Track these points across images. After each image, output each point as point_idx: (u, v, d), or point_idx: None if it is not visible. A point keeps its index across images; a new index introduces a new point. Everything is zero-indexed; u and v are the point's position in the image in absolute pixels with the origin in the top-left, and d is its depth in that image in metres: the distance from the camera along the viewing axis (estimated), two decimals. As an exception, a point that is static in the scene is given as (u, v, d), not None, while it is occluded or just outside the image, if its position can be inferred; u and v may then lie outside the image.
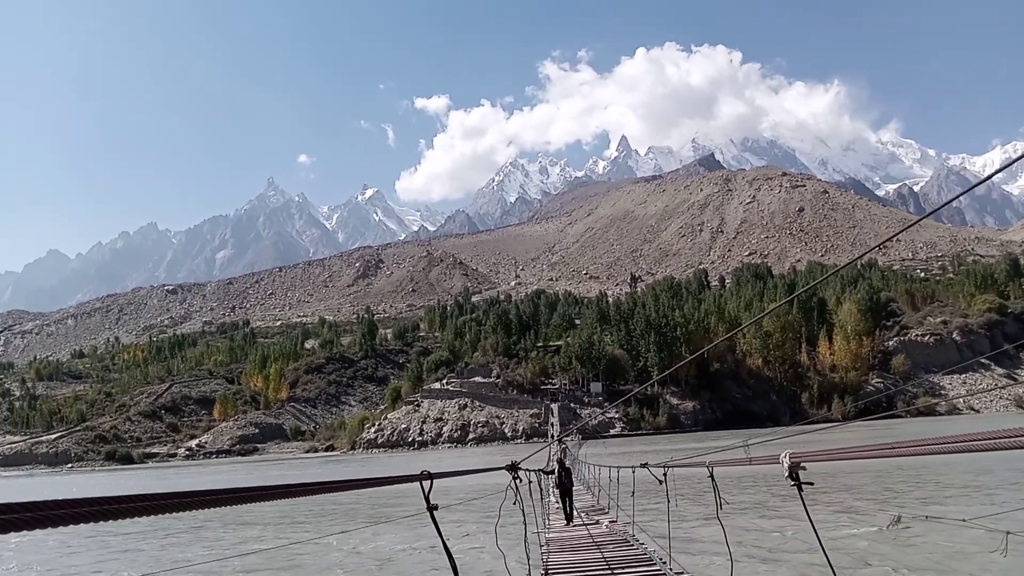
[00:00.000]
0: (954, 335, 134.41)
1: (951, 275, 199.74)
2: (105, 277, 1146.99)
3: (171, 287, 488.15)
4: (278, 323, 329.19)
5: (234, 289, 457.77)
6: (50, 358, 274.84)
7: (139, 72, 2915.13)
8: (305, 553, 23.72)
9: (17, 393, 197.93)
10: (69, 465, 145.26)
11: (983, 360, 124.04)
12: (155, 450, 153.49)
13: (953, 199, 5.27)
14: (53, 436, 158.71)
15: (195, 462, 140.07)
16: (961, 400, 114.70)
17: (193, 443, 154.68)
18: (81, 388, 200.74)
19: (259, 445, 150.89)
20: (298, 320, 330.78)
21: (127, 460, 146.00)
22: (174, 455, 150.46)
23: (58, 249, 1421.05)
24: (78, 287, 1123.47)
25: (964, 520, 20.40)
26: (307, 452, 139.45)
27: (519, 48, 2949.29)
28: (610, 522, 18.39)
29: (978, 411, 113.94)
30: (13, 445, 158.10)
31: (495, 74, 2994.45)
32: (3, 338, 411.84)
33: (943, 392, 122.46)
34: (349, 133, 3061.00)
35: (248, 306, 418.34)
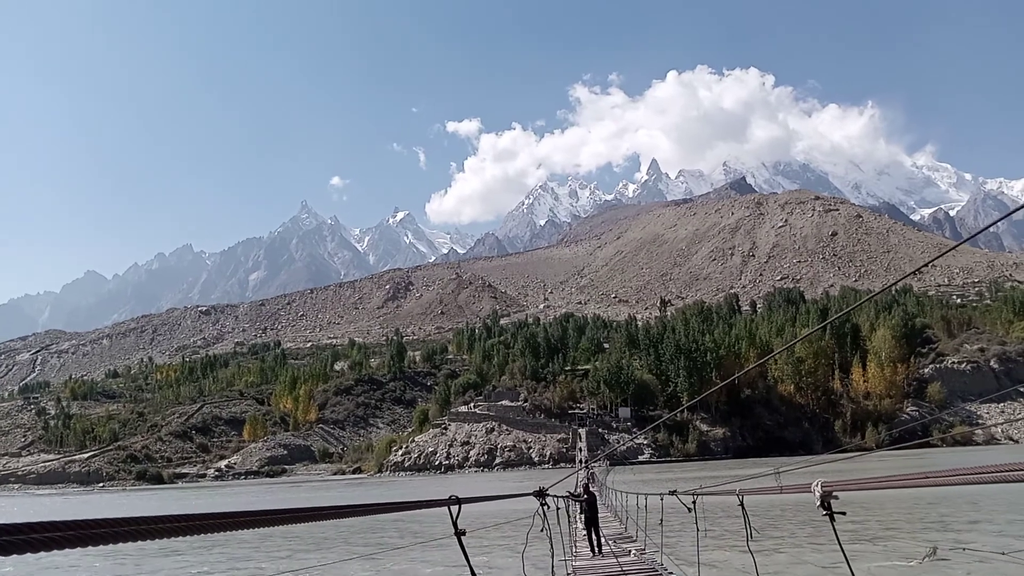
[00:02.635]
0: (991, 363, 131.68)
1: (988, 301, 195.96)
2: (141, 298, 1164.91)
3: (204, 308, 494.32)
4: (308, 344, 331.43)
5: (266, 310, 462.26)
6: (85, 377, 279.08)
7: (178, 95, 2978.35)
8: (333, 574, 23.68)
9: (52, 412, 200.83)
10: (100, 484, 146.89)
11: (1021, 388, 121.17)
12: (185, 470, 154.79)
13: (992, 224, 5.19)
14: (86, 455, 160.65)
15: (224, 483, 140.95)
16: (999, 429, 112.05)
17: (222, 464, 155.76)
18: (114, 407, 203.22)
19: (287, 466, 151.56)
20: (328, 342, 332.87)
21: (157, 480, 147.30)
22: (203, 475, 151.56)
23: (95, 270, 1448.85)
24: (114, 307, 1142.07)
25: (1003, 554, 19.85)
26: (335, 474, 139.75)
27: (550, 72, 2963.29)
28: (638, 551, 18.16)
29: (1016, 441, 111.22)
30: (47, 464, 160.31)
31: (526, 98, 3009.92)
32: (40, 357, 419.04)
33: (980, 421, 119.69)
34: (381, 156, 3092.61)
35: (279, 327, 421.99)
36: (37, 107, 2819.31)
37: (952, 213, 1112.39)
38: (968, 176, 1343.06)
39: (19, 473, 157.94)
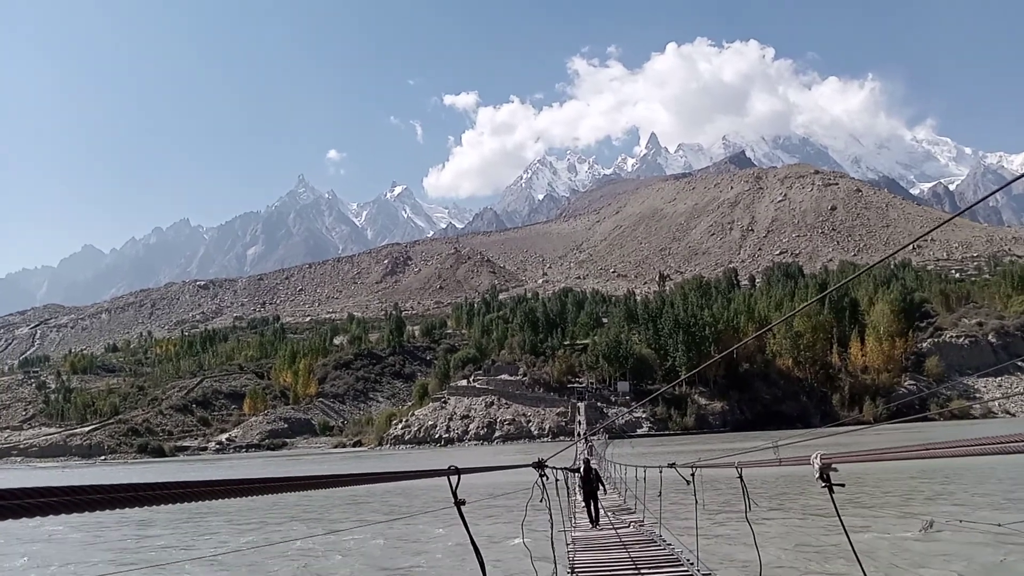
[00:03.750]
0: (989, 337, 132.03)
1: (987, 276, 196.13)
2: (138, 272, 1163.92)
3: (203, 282, 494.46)
4: (307, 319, 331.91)
5: (265, 285, 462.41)
6: (84, 352, 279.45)
7: (172, 69, 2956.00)
8: (332, 544, 23.88)
9: (52, 386, 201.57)
10: (102, 457, 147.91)
11: (1019, 363, 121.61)
12: (186, 443, 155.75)
13: (989, 195, 5.18)
14: (87, 429, 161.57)
15: (225, 456, 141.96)
16: (996, 403, 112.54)
17: (223, 437, 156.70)
18: (114, 381, 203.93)
19: (288, 440, 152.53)
20: (327, 316, 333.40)
21: (158, 453, 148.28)
22: (204, 448, 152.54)
23: (93, 244, 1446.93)
24: (112, 282, 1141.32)
25: (999, 525, 20.03)
26: (335, 447, 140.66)
27: (548, 44, 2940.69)
28: (637, 522, 18.30)
29: (1014, 414, 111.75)
30: (48, 437, 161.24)
31: (524, 70, 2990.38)
32: (39, 332, 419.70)
33: (978, 395, 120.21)
34: (378, 129, 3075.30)
35: (278, 302, 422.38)
36: (34, 84, 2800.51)
37: (952, 187, 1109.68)
38: (968, 150, 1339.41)
39: (21, 446, 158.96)
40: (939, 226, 5.19)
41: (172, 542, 28.02)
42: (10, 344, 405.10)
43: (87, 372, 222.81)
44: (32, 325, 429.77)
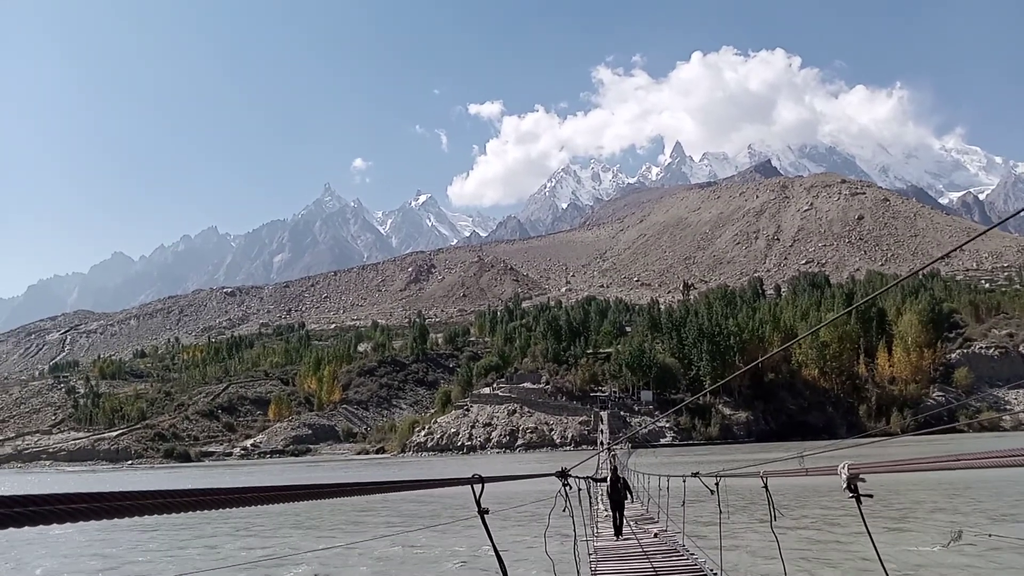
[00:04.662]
0: (1020, 348, 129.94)
1: (1018, 286, 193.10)
2: (167, 279, 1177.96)
3: (230, 289, 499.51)
4: (332, 326, 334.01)
5: (290, 292, 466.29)
6: (113, 357, 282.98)
7: (202, 82, 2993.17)
8: (360, 553, 23.94)
9: (81, 391, 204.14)
10: (129, 462, 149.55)
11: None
12: (211, 449, 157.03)
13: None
14: (115, 433, 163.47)
15: (250, 461, 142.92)
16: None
17: (248, 443, 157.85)
18: (142, 387, 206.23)
19: (312, 446, 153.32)
20: (352, 323, 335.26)
21: (184, 458, 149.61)
22: (230, 454, 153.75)
23: (122, 251, 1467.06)
24: (141, 288, 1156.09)
25: (1030, 540, 19.65)
26: (358, 454, 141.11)
27: (573, 53, 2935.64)
28: (660, 531, 18.17)
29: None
30: (77, 441, 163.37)
31: (549, 79, 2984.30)
32: (69, 337, 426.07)
33: (1008, 407, 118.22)
34: (403, 138, 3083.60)
35: (304, 309, 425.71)
36: (64, 96, 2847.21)
37: (982, 197, 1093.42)
38: (998, 159, 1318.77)
39: (50, 450, 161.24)
40: (974, 239, 5.09)
41: (162, 548, 28.23)
42: (41, 349, 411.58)
43: (115, 377, 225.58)
44: (62, 331, 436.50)
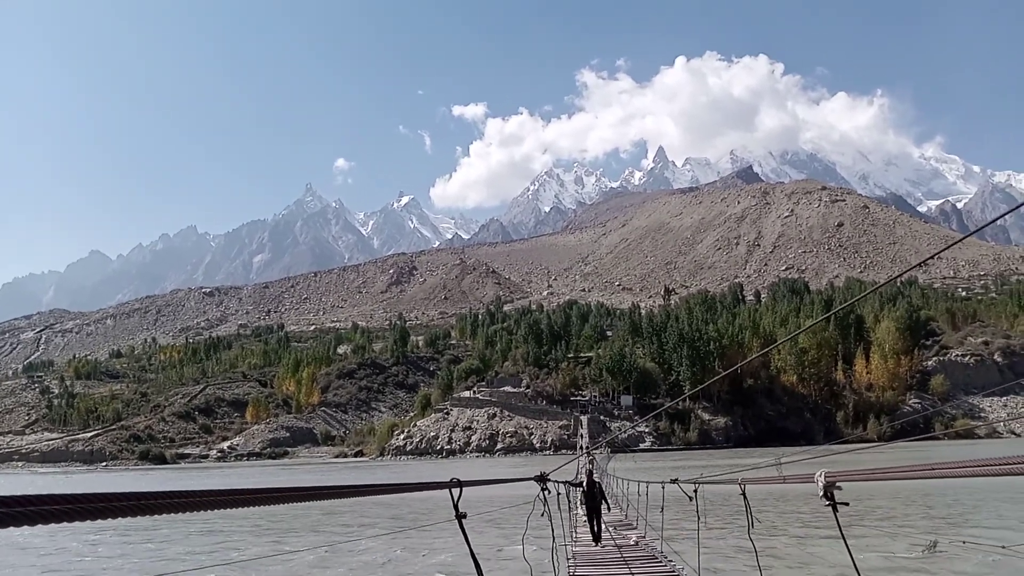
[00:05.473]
0: (996, 356, 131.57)
1: (994, 295, 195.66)
2: (145, 278, 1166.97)
3: (208, 289, 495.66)
4: (312, 328, 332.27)
5: (270, 293, 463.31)
6: (89, 357, 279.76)
7: (184, 77, 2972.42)
8: (333, 557, 23.78)
9: (56, 391, 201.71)
10: (104, 463, 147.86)
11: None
12: (188, 451, 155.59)
13: (1000, 217, 5.14)
14: (89, 434, 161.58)
15: (226, 464, 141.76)
16: (1002, 423, 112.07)
17: (225, 445, 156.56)
18: (118, 387, 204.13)
19: (289, 448, 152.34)
20: (331, 325, 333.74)
21: (160, 460, 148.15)
22: (206, 456, 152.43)
23: (100, 250, 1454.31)
24: (118, 288, 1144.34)
25: (1003, 547, 19.88)
26: (336, 457, 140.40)
27: (558, 56, 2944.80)
28: (638, 537, 18.19)
29: (1019, 435, 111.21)
30: (51, 442, 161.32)
31: (533, 82, 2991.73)
32: (44, 336, 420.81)
33: (983, 415, 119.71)
34: (387, 138, 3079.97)
35: (283, 310, 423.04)
36: (42, 87, 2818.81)
37: (960, 205, 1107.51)
38: (976, 168, 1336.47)
39: (23, 451, 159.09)
40: (950, 247, 5.15)
41: (110, 554, 27.94)
42: (15, 348, 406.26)
43: (90, 377, 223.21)
44: (37, 330, 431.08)
